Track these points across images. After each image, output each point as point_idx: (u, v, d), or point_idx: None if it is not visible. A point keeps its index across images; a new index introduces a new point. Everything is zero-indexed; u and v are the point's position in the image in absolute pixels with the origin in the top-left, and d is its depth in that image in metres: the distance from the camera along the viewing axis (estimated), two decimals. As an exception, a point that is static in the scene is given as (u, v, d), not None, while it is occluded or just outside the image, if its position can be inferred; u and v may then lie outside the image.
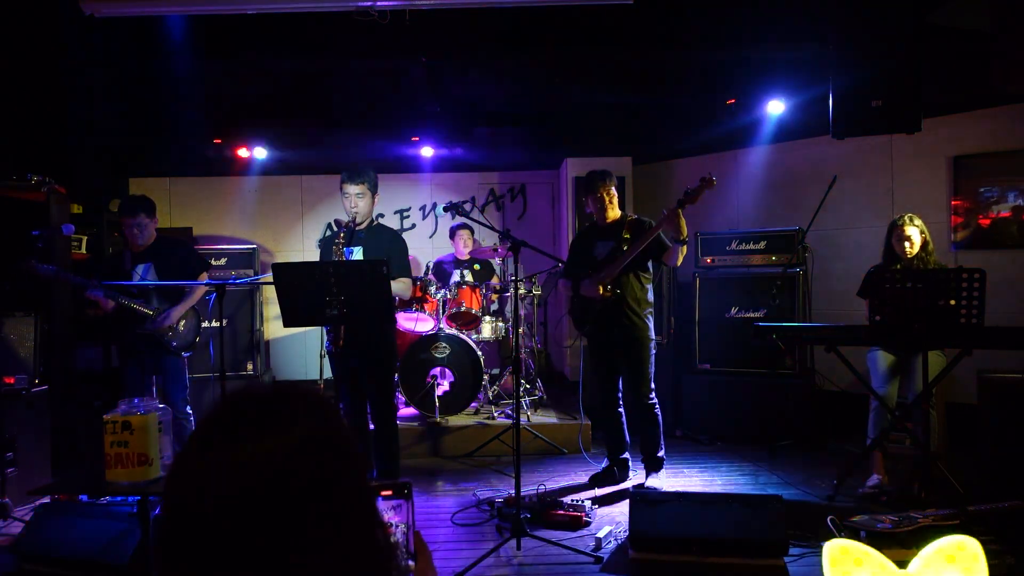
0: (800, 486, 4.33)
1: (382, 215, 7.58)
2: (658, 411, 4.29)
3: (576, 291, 4.33)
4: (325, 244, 4.12)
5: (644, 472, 4.36)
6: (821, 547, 2.55)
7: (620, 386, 4.39)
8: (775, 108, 6.04)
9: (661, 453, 4.33)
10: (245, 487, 0.73)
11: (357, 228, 3.95)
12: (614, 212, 4.34)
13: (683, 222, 3.95)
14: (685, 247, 4.06)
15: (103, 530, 3.23)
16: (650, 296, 4.30)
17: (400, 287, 3.91)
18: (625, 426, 4.45)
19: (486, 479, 4.64)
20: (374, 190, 3.96)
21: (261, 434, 0.76)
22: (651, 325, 4.29)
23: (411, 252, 7.36)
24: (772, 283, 5.41)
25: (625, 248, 4.13)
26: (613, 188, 4.32)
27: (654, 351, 4.29)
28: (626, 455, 4.48)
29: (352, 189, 3.87)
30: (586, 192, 4.37)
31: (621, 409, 4.43)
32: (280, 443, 0.76)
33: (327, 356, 4.21)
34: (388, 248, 3.93)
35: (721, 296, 5.63)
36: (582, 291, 4.26)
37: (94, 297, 4.00)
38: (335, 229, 3.91)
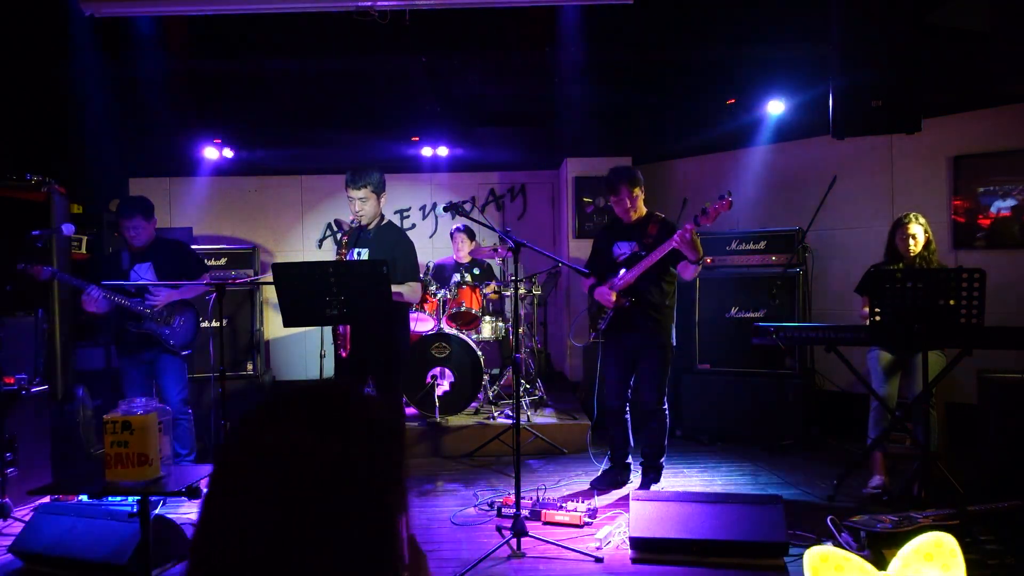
0: (800, 486, 4.33)
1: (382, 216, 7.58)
2: (667, 419, 4.25)
3: (591, 290, 4.26)
4: (338, 245, 4.08)
5: (642, 476, 4.33)
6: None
7: (630, 389, 4.34)
8: (775, 108, 6.03)
9: (662, 460, 4.29)
10: (302, 473, 0.75)
11: (366, 228, 3.92)
12: (638, 213, 4.19)
13: (699, 241, 3.84)
14: (701, 265, 3.95)
15: (103, 530, 3.23)
16: (670, 301, 4.17)
17: (406, 291, 3.85)
18: (630, 429, 4.43)
19: (486, 479, 4.63)
20: (379, 191, 3.90)
21: (328, 426, 0.79)
22: (672, 331, 4.19)
23: (411, 252, 7.34)
24: (772, 283, 5.41)
25: (643, 253, 4.01)
26: (637, 190, 4.13)
27: (671, 357, 4.20)
28: (629, 458, 4.45)
29: (356, 194, 3.83)
30: (608, 192, 4.21)
31: (628, 412, 4.40)
32: (343, 438, 0.79)
33: (327, 356, 4.21)
34: (394, 250, 3.89)
35: (721, 296, 5.63)
36: (595, 296, 4.21)
37: (89, 301, 3.99)
38: (335, 229, 3.90)
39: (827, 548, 2.47)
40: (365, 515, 0.78)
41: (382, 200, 3.94)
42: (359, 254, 3.89)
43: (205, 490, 0.80)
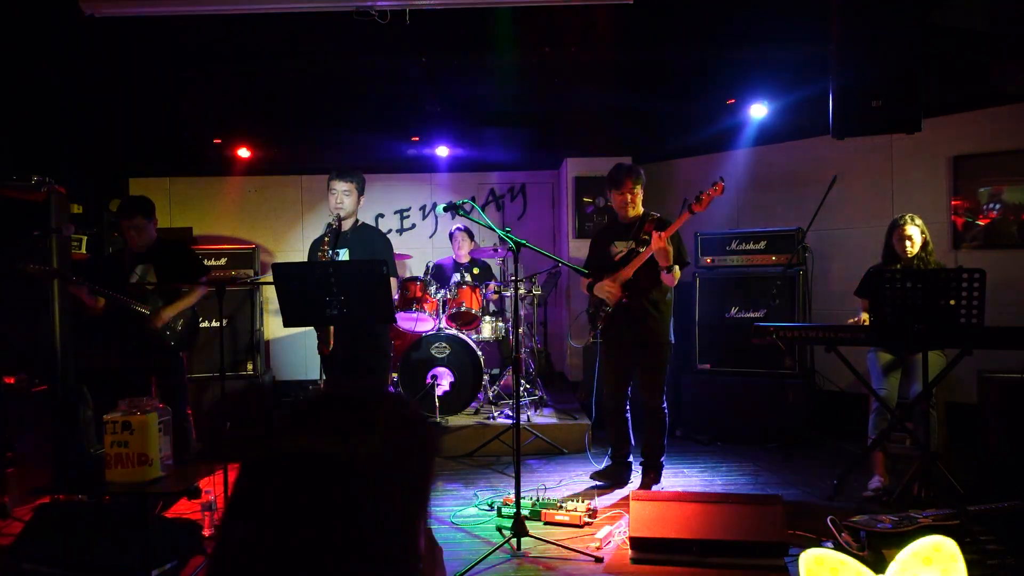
0: (800, 486, 4.33)
1: (382, 215, 7.59)
2: (667, 417, 4.27)
3: (591, 289, 4.28)
4: (312, 246, 4.11)
5: (643, 475, 4.35)
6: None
7: (629, 388, 4.36)
8: (775, 108, 6.03)
9: (663, 459, 4.31)
10: (327, 479, 0.75)
11: (343, 231, 3.95)
12: (635, 211, 4.25)
13: (671, 249, 3.92)
14: (677, 269, 4.03)
15: (103, 530, 3.23)
16: (669, 298, 4.20)
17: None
18: (631, 428, 4.43)
19: (486, 479, 4.64)
20: (361, 191, 3.99)
21: (354, 430, 0.78)
22: (671, 329, 4.21)
23: (411, 252, 7.36)
24: (772, 283, 5.41)
25: (641, 250, 4.07)
26: (639, 187, 4.20)
27: (670, 355, 4.23)
28: (630, 456, 4.46)
29: (340, 185, 3.90)
30: (611, 186, 4.24)
31: (628, 411, 4.41)
32: (370, 442, 0.78)
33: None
34: (373, 249, 3.94)
35: (721, 296, 5.63)
36: (594, 291, 4.23)
37: (75, 291, 4.00)
38: (333, 228, 3.92)
39: (823, 551, 2.46)
40: (396, 520, 0.77)
41: (360, 200, 4.02)
42: (339, 254, 3.91)
43: (231, 497, 0.79)
